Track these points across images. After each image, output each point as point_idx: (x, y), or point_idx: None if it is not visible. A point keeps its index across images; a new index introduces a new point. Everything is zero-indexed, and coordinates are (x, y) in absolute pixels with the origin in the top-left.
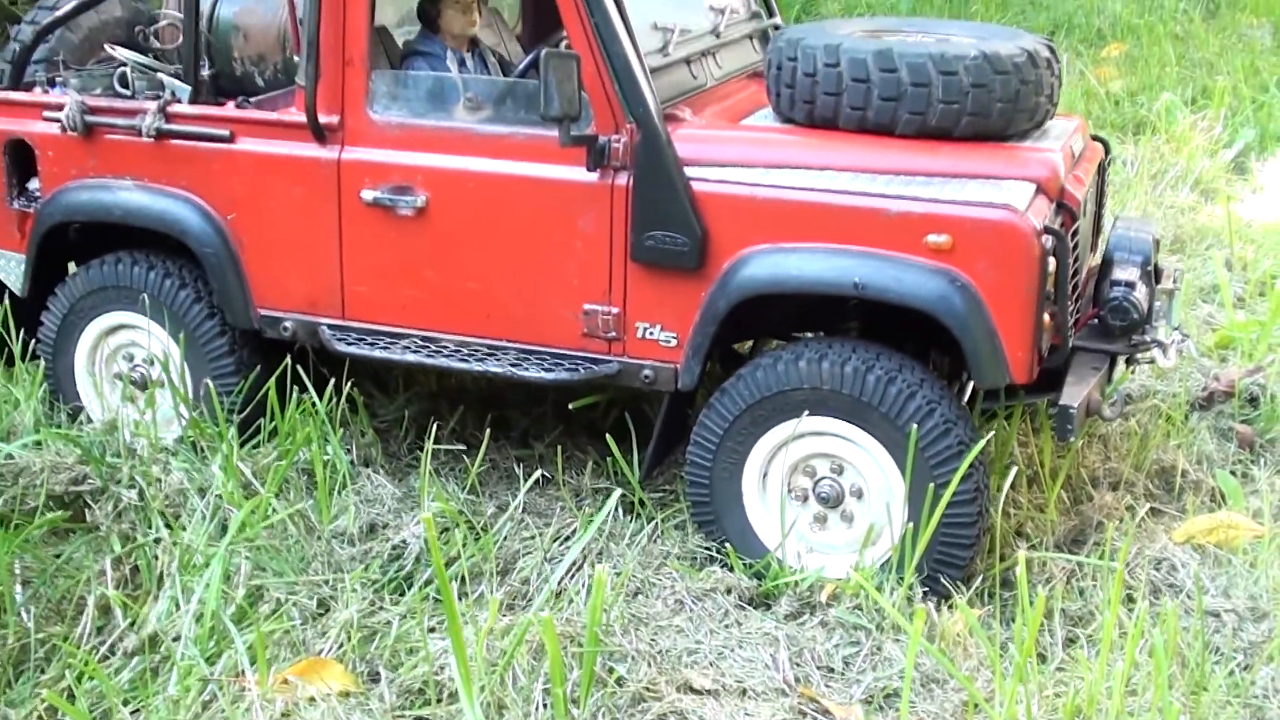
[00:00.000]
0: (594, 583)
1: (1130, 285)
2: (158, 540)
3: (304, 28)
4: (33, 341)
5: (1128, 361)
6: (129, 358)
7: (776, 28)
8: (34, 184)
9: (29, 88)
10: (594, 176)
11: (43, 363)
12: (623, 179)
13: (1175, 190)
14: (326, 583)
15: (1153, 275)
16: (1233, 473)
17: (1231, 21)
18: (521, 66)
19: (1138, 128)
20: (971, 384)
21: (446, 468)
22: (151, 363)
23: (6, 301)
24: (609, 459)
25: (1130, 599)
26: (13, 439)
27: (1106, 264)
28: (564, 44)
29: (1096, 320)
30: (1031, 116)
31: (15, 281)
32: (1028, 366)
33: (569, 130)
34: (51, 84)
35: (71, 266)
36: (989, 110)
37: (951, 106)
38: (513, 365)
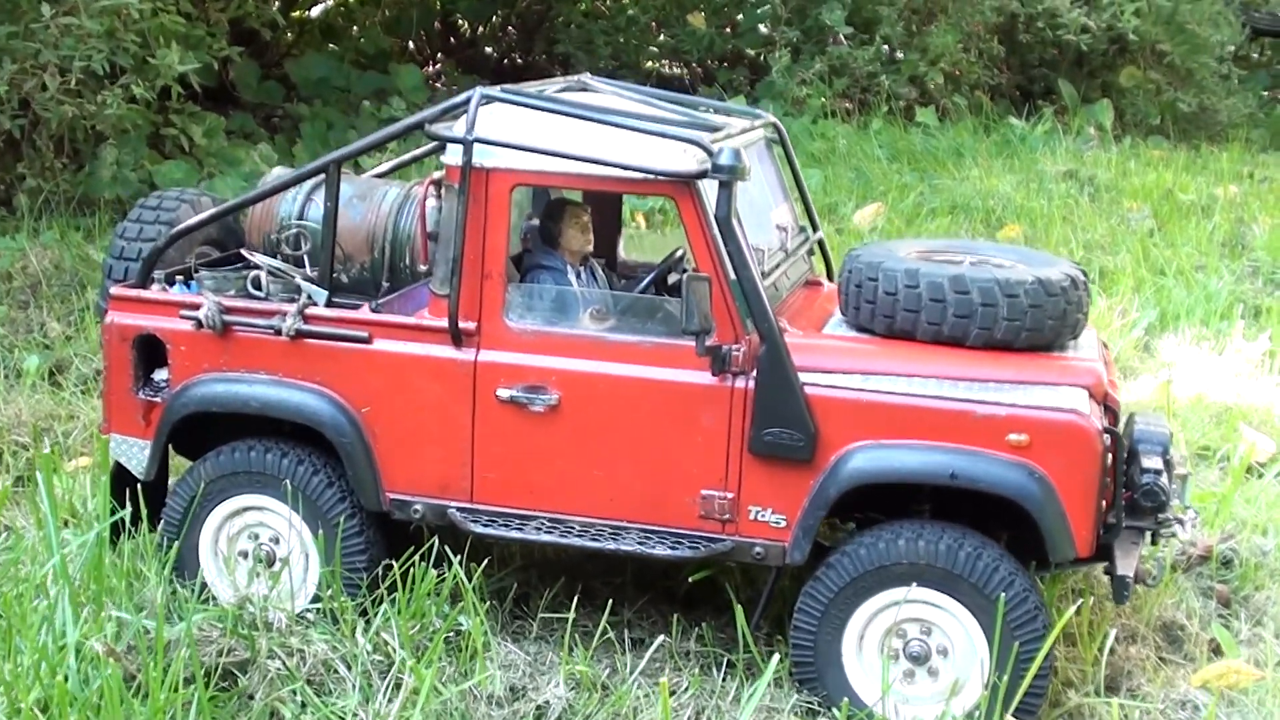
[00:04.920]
0: None
1: (1158, 472)
2: (305, 705)
3: (440, 243)
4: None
5: (1153, 536)
6: (254, 536)
7: (820, 241)
8: (159, 375)
9: (149, 284)
10: (715, 380)
11: (166, 541)
12: (741, 382)
13: None
14: None
15: (1169, 463)
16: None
17: (1113, 205)
18: (644, 282)
19: None
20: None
21: (549, 633)
22: (277, 540)
23: (140, 487)
24: (702, 624)
25: None
26: (141, 614)
27: (1133, 454)
28: (685, 263)
29: (1128, 502)
30: (1073, 331)
31: (138, 465)
32: (1090, 543)
33: (704, 342)
34: (170, 282)
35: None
36: (1043, 326)
37: (1014, 323)
38: (640, 544)
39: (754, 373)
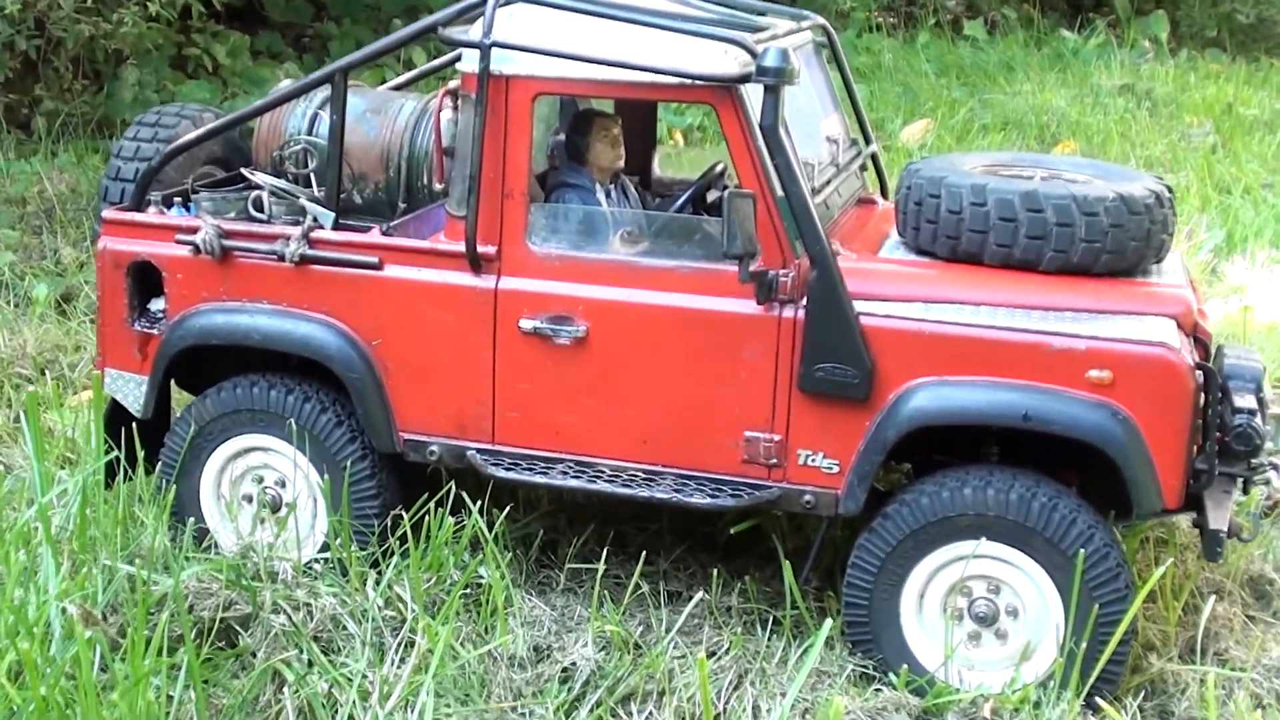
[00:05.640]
0: None
1: (1251, 413)
2: (311, 665)
3: (457, 160)
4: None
5: (1245, 484)
6: (259, 479)
7: (874, 155)
8: (156, 305)
9: (145, 206)
10: (760, 309)
11: (164, 484)
12: (789, 311)
13: None
14: (514, 709)
15: (1263, 401)
16: None
17: (1172, 121)
18: (680, 201)
19: None
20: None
21: (578, 584)
22: (283, 484)
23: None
24: (744, 577)
25: (1261, 706)
26: (138, 562)
27: (1224, 392)
28: (726, 178)
29: (1219, 446)
30: (1157, 254)
31: (134, 403)
32: (1179, 493)
33: (748, 266)
34: (168, 204)
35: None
36: (1125, 248)
37: (1093, 245)
38: (676, 491)
39: (803, 301)
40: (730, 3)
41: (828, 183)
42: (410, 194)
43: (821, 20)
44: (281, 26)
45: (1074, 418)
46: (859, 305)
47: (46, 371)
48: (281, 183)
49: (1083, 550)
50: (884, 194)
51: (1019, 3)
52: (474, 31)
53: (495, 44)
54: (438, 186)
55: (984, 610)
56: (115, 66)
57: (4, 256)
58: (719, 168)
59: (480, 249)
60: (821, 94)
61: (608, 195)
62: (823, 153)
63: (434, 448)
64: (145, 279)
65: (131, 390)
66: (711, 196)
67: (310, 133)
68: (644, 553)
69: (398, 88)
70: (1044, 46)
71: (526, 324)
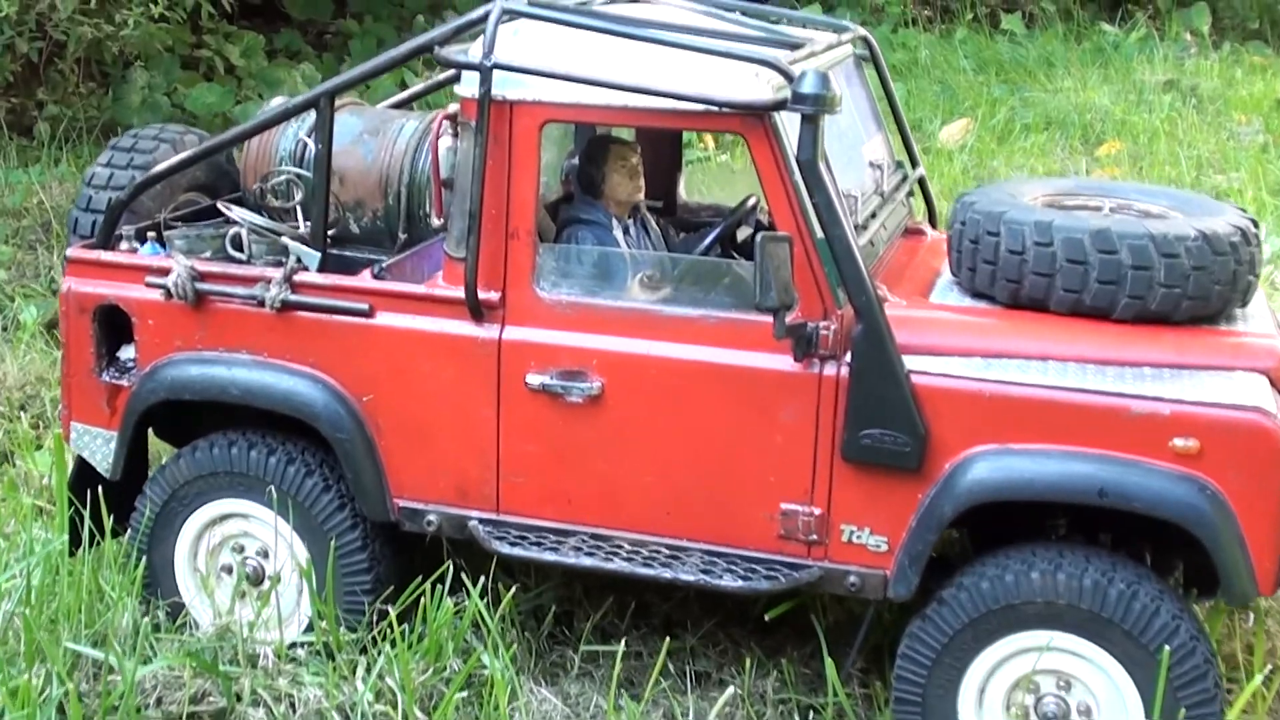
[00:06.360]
0: None
1: None
2: None
3: (456, 194)
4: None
5: None
6: (239, 549)
7: (922, 179)
8: (126, 353)
9: (116, 242)
10: (798, 366)
11: (135, 553)
12: (830, 369)
13: None
14: None
15: None
16: None
17: (1220, 118)
18: (708, 240)
19: None
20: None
21: (595, 666)
22: (265, 555)
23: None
24: (781, 659)
25: None
26: (106, 645)
27: None
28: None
29: None
30: (1244, 298)
31: (103, 461)
32: (1274, 578)
33: (784, 320)
34: (141, 240)
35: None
36: (1209, 293)
37: (1173, 290)
38: (704, 572)
39: (847, 357)
40: (763, 13)
41: (872, 215)
42: (411, 223)
43: (862, 31)
44: (301, 24)
45: (1157, 494)
46: (910, 361)
47: (26, 409)
48: (260, 219)
49: (1167, 646)
50: (932, 221)
51: None
52: (474, 51)
53: (498, 65)
54: (436, 222)
55: (1053, 709)
56: (124, 69)
57: None
58: (751, 201)
59: (482, 295)
60: (863, 112)
61: (625, 232)
62: (865, 180)
63: (432, 516)
64: (114, 323)
65: (99, 447)
66: (743, 234)
67: (300, 159)
68: (668, 623)
69: (398, 105)
70: (1084, 41)
71: (534, 379)
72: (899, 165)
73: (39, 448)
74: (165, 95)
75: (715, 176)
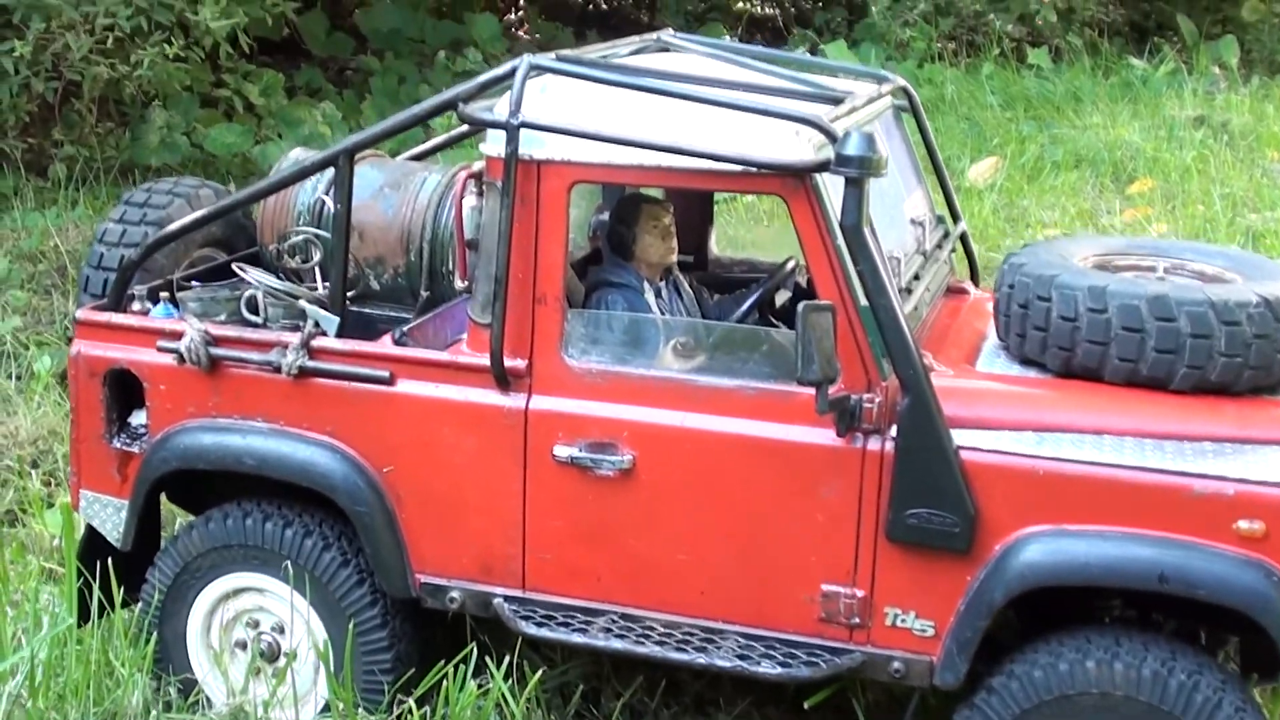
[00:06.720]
0: None
1: None
2: None
3: (481, 257)
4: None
5: None
6: (253, 624)
7: (963, 235)
8: (138, 419)
9: (127, 302)
10: (840, 440)
11: (146, 628)
12: (875, 444)
13: None
14: None
15: None
16: None
17: (1252, 155)
18: (745, 306)
19: None
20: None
21: None
22: (281, 630)
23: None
24: None
25: None
26: None
27: None
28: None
29: None
30: None
31: (113, 531)
32: None
33: (827, 394)
34: (154, 299)
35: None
36: (1272, 362)
37: (1234, 360)
38: (740, 658)
39: (892, 431)
40: (799, 63)
41: (916, 277)
42: (434, 280)
43: (903, 82)
44: (322, 61)
45: (1221, 580)
46: (959, 436)
47: (38, 465)
48: (276, 281)
49: None
50: (974, 278)
51: (1082, 27)
52: (500, 108)
53: (525, 124)
54: (460, 284)
55: None
56: (142, 108)
57: (9, 322)
58: (790, 264)
59: (508, 363)
60: (904, 167)
61: (657, 295)
62: (908, 239)
63: (455, 593)
64: (126, 386)
65: (110, 516)
66: (781, 298)
67: (318, 217)
68: (700, 701)
69: (418, 157)
70: (1111, 75)
71: (562, 451)
72: (940, 220)
73: (50, 505)
74: (184, 135)
75: (742, 219)
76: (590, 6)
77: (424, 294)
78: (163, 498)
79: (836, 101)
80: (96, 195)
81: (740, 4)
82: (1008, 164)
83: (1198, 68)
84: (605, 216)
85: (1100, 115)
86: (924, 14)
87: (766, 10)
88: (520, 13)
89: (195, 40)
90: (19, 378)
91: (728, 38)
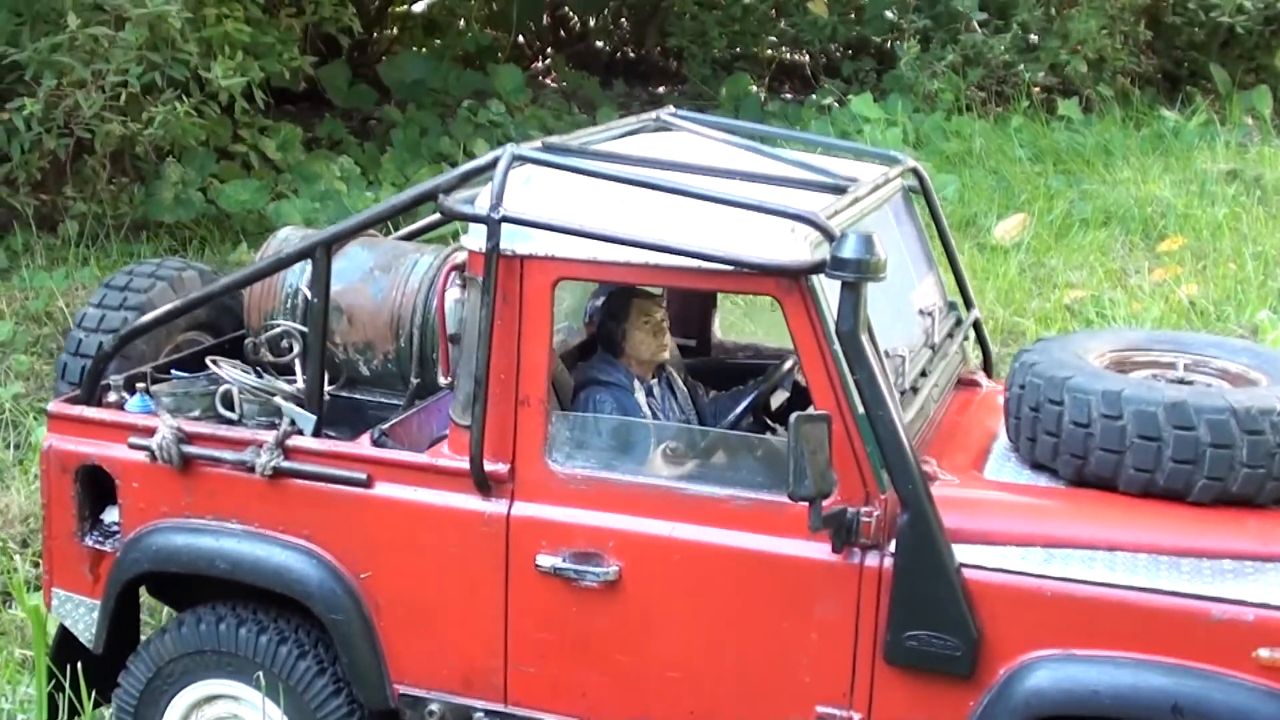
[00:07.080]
0: None
1: None
2: None
3: (463, 354)
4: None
5: None
6: None
7: (976, 323)
8: (110, 516)
9: (102, 393)
10: (836, 555)
11: None
12: (873, 560)
13: None
14: None
15: None
16: None
17: None
18: (737, 411)
19: None
20: None
21: None
22: None
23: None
24: None
25: None
26: None
27: None
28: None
29: None
30: None
31: (85, 632)
32: None
33: (820, 511)
34: (130, 389)
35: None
36: None
37: (1256, 471)
38: None
39: (891, 546)
40: (803, 142)
41: (923, 374)
42: (424, 366)
43: (913, 163)
44: (344, 112)
45: (1239, 713)
46: (962, 552)
47: (28, 544)
48: (251, 379)
49: None
50: (987, 368)
51: (1113, 77)
52: (481, 201)
53: (506, 219)
54: (443, 381)
55: None
56: (157, 163)
57: (11, 388)
58: (788, 365)
59: (489, 467)
60: (913, 252)
61: (649, 394)
62: (915, 333)
63: (434, 706)
64: (98, 482)
65: (82, 616)
66: (778, 399)
67: (297, 310)
68: None
69: (408, 237)
70: (1143, 127)
71: (545, 561)
72: (952, 307)
73: (38, 589)
74: (200, 190)
75: (748, 302)
76: (617, 55)
77: (414, 380)
78: (143, 591)
79: (840, 190)
80: (108, 253)
81: (769, 51)
82: (1035, 221)
83: (1231, 118)
84: (599, 302)
85: (1131, 169)
86: (952, 64)
87: (795, 58)
88: (547, 61)
89: (211, 95)
90: (17, 446)
91: (754, 88)
